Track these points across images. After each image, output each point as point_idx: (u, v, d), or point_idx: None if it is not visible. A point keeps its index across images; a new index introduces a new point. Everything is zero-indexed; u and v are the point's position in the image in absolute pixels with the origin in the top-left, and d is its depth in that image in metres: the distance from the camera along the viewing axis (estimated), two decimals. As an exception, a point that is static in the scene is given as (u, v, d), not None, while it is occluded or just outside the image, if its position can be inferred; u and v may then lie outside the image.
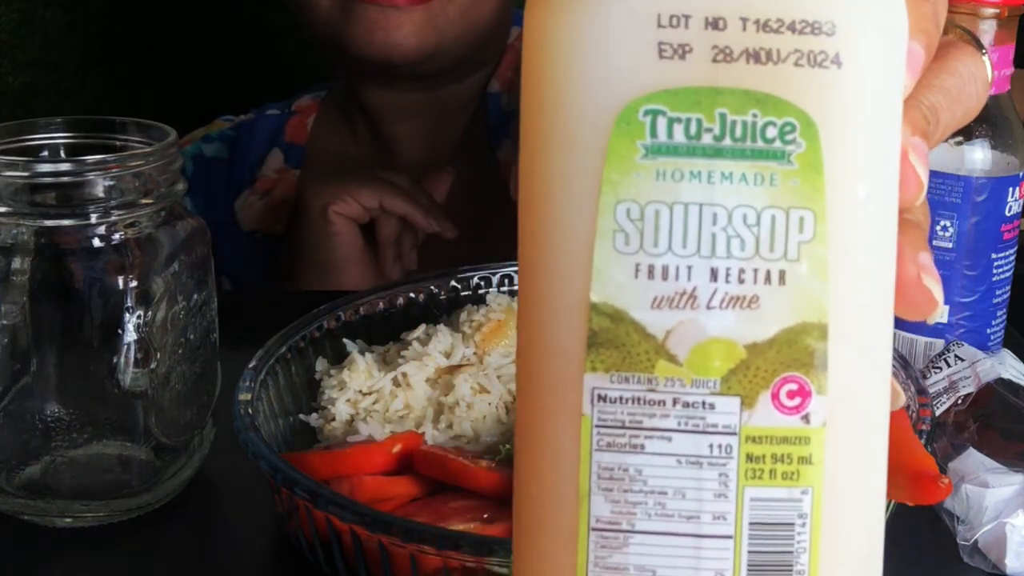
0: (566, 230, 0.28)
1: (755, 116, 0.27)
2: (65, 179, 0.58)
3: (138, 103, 1.35)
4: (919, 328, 0.71)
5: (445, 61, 0.99)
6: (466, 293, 0.74)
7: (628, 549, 0.28)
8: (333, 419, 0.63)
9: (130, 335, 0.59)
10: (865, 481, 0.29)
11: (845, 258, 0.27)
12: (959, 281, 0.70)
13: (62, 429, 0.60)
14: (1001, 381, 0.65)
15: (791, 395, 0.28)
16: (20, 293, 0.59)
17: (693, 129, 0.27)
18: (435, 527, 0.51)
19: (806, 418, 0.28)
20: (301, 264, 0.98)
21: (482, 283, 0.74)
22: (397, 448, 0.59)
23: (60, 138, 0.64)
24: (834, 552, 0.28)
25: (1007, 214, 0.70)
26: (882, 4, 0.27)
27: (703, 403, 0.28)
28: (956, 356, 0.68)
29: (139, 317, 0.59)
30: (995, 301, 0.71)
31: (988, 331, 0.72)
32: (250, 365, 0.62)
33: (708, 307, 0.27)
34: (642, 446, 0.28)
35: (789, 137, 0.27)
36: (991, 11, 0.66)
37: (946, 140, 0.69)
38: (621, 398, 0.28)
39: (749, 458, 0.28)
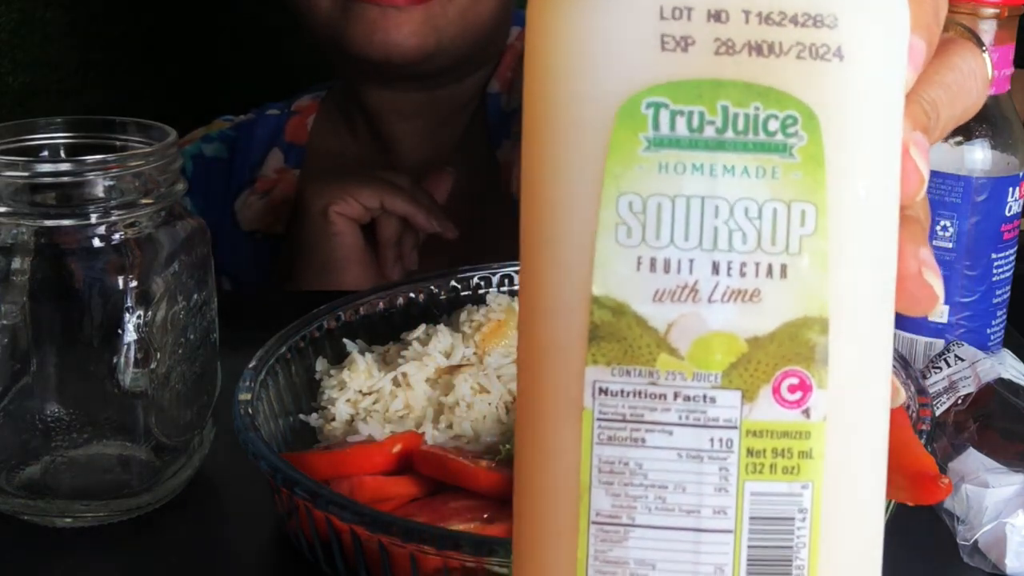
0: (568, 223, 0.28)
1: (757, 109, 0.27)
2: (65, 179, 0.58)
3: (138, 103, 1.34)
4: (919, 328, 0.71)
5: (445, 61, 0.99)
6: (466, 293, 0.74)
7: (628, 543, 0.28)
8: (333, 419, 0.63)
9: (130, 335, 0.59)
10: (865, 476, 0.29)
11: (846, 252, 0.27)
12: (959, 281, 0.70)
13: (62, 429, 0.60)
14: (1001, 381, 0.65)
15: (792, 389, 0.28)
16: (20, 293, 0.58)
17: (695, 122, 0.27)
18: (435, 527, 0.51)
19: (807, 412, 0.28)
20: (301, 264, 0.98)
21: (482, 283, 0.74)
22: (397, 448, 0.59)
23: (60, 138, 0.64)
24: (834, 547, 0.28)
25: (1007, 214, 0.70)
26: None
27: (704, 397, 0.28)
28: (956, 356, 0.68)
29: (139, 317, 0.59)
30: (995, 301, 0.71)
31: (988, 331, 0.72)
32: (250, 365, 0.62)
33: (710, 300, 0.27)
34: (643, 440, 0.28)
35: (791, 130, 0.27)
36: (991, 11, 0.66)
37: (946, 140, 0.70)
38: (622, 391, 0.28)
39: (750, 452, 0.28)
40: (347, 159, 1.11)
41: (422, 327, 0.69)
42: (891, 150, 0.28)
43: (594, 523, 0.28)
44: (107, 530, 0.61)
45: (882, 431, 0.29)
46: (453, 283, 0.74)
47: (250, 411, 0.58)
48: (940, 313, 0.30)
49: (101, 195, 0.58)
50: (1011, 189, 0.69)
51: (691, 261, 0.27)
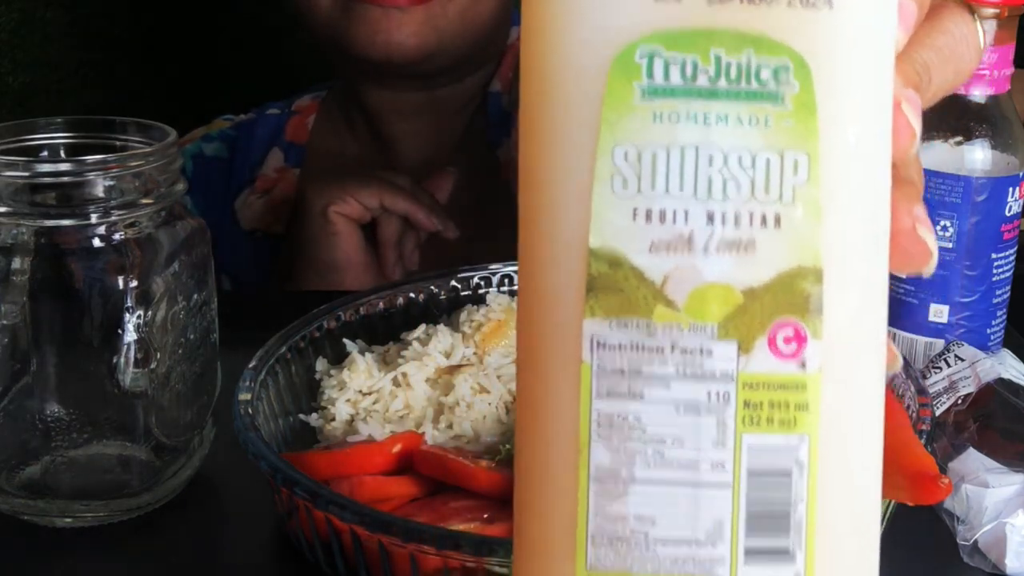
0: (565, 174, 0.28)
1: (749, 57, 0.27)
2: (65, 179, 0.58)
3: (138, 103, 1.35)
4: (919, 328, 0.71)
5: (445, 61, 0.99)
6: (466, 293, 0.74)
7: (627, 498, 0.28)
8: (333, 419, 0.63)
9: (130, 335, 0.59)
10: (861, 429, 0.29)
11: (837, 200, 0.27)
12: (959, 281, 0.70)
13: (62, 429, 0.60)
14: (1001, 381, 0.65)
15: (787, 340, 0.28)
16: (20, 293, 0.59)
17: (689, 70, 0.27)
18: (435, 527, 0.51)
19: (802, 364, 0.28)
20: (301, 264, 0.98)
21: (482, 283, 0.74)
22: (397, 448, 0.59)
23: (60, 138, 0.64)
24: (831, 501, 0.28)
25: (1007, 214, 0.70)
26: None
27: (701, 349, 0.27)
28: (956, 356, 0.68)
29: (139, 317, 0.59)
30: (995, 301, 0.71)
31: (988, 331, 0.72)
32: (250, 365, 0.62)
33: (705, 251, 0.27)
34: (641, 393, 0.28)
35: (783, 78, 0.27)
36: (991, 11, 0.66)
37: (946, 140, 0.70)
38: (620, 345, 0.28)
39: (746, 405, 0.28)
40: (347, 159, 1.11)
41: (422, 327, 0.69)
42: (881, 100, 0.28)
43: (594, 478, 0.28)
44: (107, 530, 0.61)
45: (878, 385, 0.29)
46: (453, 283, 0.74)
47: (250, 411, 0.58)
48: (933, 266, 0.30)
49: (101, 195, 0.58)
50: (1011, 189, 0.69)
51: (686, 211, 0.27)
